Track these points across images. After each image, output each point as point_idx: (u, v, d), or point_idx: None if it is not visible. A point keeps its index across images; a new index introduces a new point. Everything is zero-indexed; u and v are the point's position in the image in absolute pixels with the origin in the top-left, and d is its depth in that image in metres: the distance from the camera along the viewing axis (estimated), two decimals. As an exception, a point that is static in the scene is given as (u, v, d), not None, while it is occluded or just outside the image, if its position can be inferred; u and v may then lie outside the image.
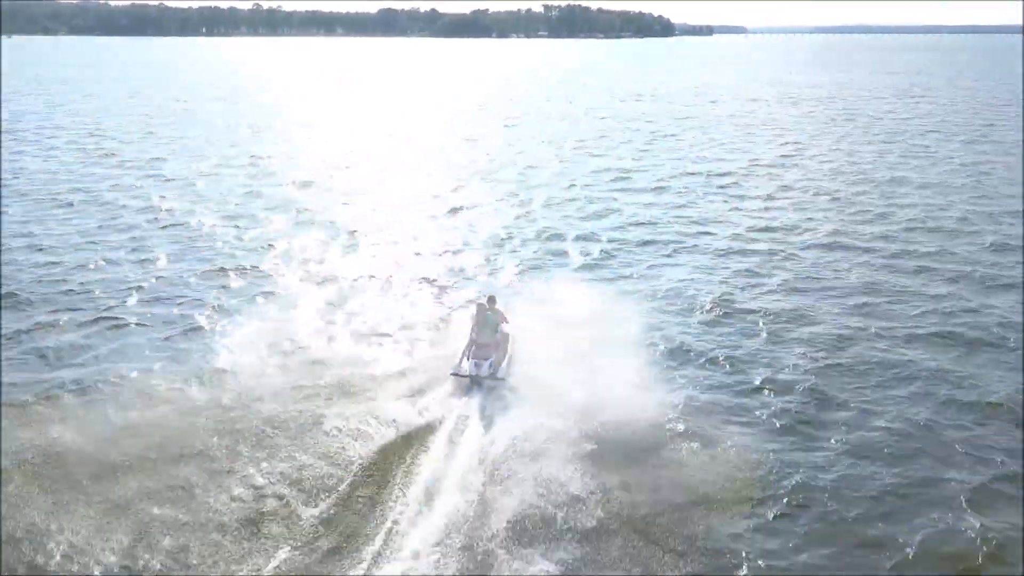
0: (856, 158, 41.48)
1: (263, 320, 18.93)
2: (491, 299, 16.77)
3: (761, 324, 18.89)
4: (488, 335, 15.81)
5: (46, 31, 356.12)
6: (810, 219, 28.81)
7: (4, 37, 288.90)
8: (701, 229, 27.84)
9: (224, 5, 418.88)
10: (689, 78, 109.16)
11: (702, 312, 19.79)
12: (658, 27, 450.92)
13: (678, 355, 17.30)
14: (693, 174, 37.61)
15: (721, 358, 17.12)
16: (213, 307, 19.88)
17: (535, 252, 25.04)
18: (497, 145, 46.96)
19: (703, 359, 17.13)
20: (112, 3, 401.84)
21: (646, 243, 26.15)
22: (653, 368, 16.29)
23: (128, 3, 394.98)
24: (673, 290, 21.37)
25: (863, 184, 34.80)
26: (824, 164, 39.92)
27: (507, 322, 16.60)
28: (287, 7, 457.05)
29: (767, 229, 27.57)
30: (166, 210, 29.86)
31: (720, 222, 28.76)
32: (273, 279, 22.24)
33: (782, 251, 25.00)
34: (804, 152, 43.59)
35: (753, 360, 17.07)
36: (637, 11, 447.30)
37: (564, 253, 25.10)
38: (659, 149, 45.50)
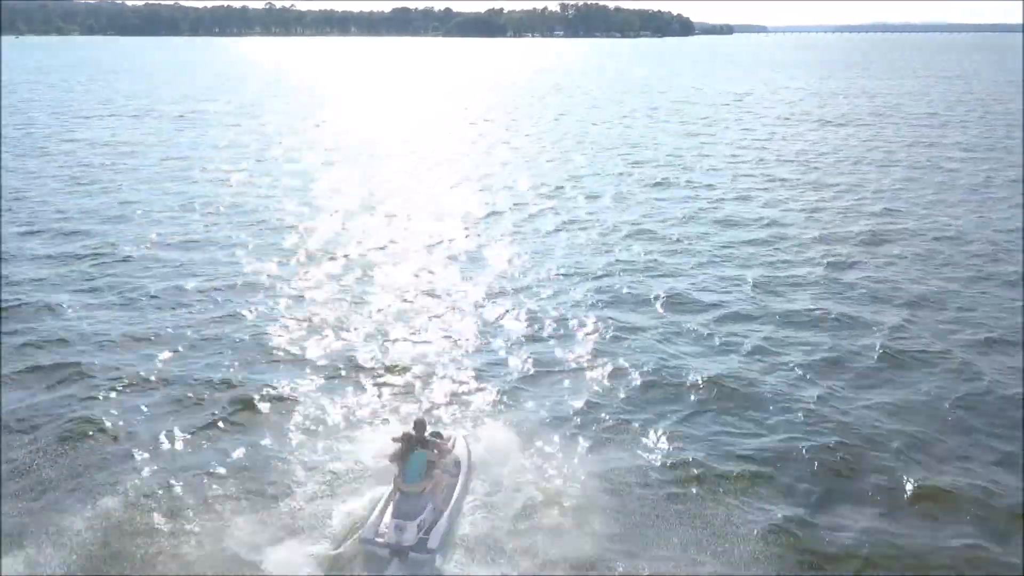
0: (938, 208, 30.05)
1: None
2: (419, 424, 11.51)
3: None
4: (415, 479, 10.88)
5: (59, 31, 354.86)
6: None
7: (13, 37, 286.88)
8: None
9: (237, 4, 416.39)
10: (711, 84, 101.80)
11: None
12: (677, 26, 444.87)
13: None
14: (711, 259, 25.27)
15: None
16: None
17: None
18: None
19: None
20: (128, 3, 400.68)
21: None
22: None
23: (141, 3, 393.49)
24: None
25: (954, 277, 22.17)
26: (910, 235, 26.51)
27: (450, 451, 11.83)
28: (300, 6, 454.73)
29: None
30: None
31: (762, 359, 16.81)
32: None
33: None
34: (867, 207, 30.18)
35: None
36: (656, 10, 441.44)
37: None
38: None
